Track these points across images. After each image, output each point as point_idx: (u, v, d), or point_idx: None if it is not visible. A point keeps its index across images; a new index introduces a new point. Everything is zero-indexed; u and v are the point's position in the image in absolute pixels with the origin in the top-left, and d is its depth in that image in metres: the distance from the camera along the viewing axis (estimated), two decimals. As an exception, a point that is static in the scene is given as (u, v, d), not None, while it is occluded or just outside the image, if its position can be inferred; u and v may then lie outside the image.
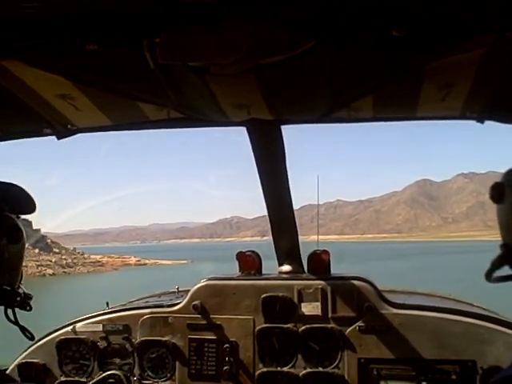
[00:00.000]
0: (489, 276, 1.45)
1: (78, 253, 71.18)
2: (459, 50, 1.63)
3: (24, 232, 1.69)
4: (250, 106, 2.12)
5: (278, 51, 1.55)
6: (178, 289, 3.36)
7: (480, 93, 2.04)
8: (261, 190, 2.88)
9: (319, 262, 2.91)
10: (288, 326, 2.80)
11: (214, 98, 1.96)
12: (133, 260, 75.43)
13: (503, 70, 1.80)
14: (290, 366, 2.79)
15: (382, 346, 2.68)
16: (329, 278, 2.83)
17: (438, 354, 2.61)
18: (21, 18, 1.45)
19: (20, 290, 1.72)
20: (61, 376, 3.01)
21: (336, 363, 2.74)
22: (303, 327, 2.78)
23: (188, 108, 2.22)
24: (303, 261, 3.02)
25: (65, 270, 62.72)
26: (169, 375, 2.91)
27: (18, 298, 1.70)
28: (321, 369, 2.75)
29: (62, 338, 3.02)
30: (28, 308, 1.76)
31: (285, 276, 2.98)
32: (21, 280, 1.75)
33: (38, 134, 2.50)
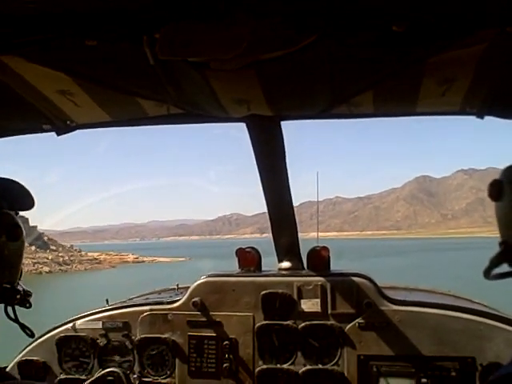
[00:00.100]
0: (487, 273, 1.45)
1: (75, 250, 71.12)
2: (459, 46, 1.62)
3: (23, 229, 1.69)
4: (249, 101, 2.11)
5: (277, 46, 1.55)
6: (177, 286, 3.36)
7: (480, 88, 2.03)
8: (260, 187, 2.88)
9: (319, 259, 2.91)
10: (288, 322, 2.79)
11: (213, 94, 1.96)
12: (131, 257, 75.43)
13: (503, 65, 1.79)
14: (289, 362, 2.79)
15: (381, 343, 2.68)
16: (328, 275, 2.82)
17: (438, 351, 2.61)
18: (20, 13, 1.44)
19: (19, 288, 1.72)
20: (61, 373, 3.01)
21: (336, 360, 2.74)
22: (303, 324, 2.78)
23: (188, 104, 2.22)
24: (303, 257, 3.02)
25: (61, 268, 62.61)
26: (169, 372, 2.91)
27: (18, 296, 1.70)
28: (320, 366, 2.75)
29: (62, 335, 3.02)
30: (28, 305, 1.75)
31: (284, 273, 2.97)
32: (20, 277, 1.75)
33: (38, 130, 2.49)
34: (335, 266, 2.94)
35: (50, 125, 2.42)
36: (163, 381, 2.90)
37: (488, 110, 2.25)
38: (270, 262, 3.11)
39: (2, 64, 1.74)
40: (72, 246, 73.48)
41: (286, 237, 3.01)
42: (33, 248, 60.36)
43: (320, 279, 2.80)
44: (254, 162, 2.78)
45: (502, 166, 1.51)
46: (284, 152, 2.73)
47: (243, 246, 3.08)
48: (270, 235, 3.05)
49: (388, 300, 2.74)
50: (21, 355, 3.06)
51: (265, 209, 2.95)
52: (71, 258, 66.32)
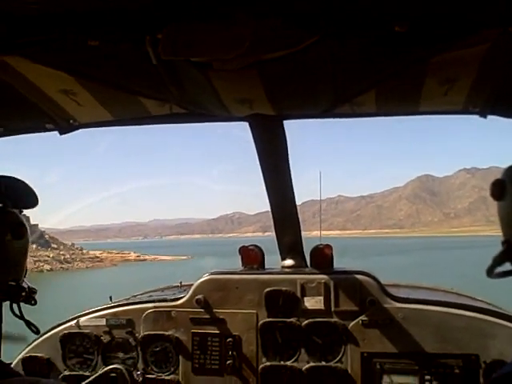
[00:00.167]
0: (490, 272, 1.45)
1: (77, 248, 70.98)
2: (462, 46, 1.62)
3: (28, 228, 1.70)
4: (252, 101, 2.12)
5: (280, 46, 1.55)
6: (181, 283, 3.37)
7: (483, 87, 2.03)
8: (263, 185, 2.88)
9: (322, 257, 2.91)
10: (291, 320, 2.80)
11: (216, 94, 1.97)
12: (132, 256, 75.33)
13: (506, 64, 1.79)
14: (293, 360, 2.80)
15: (384, 340, 2.68)
16: (332, 273, 2.83)
17: (441, 348, 2.61)
18: (23, 13, 1.45)
19: (24, 285, 1.73)
20: (65, 370, 3.03)
21: (339, 357, 2.75)
22: (306, 321, 2.79)
23: (190, 103, 2.22)
24: (306, 255, 3.02)
25: (63, 266, 62.48)
26: (172, 369, 2.92)
27: (23, 293, 1.71)
28: (324, 363, 2.76)
29: (66, 332, 3.04)
30: (33, 302, 1.77)
31: (288, 270, 2.98)
32: (25, 275, 1.76)
33: (41, 129, 2.50)
34: (338, 264, 2.94)
35: (52, 124, 2.44)
36: (167, 377, 2.91)
37: (491, 109, 2.25)
38: (273, 260, 3.11)
39: (5, 64, 1.75)
40: (73, 244, 73.31)
41: (289, 235, 3.01)
42: (34, 246, 60.26)
43: (323, 277, 2.81)
44: (257, 161, 2.79)
45: (505, 164, 1.51)
46: (287, 151, 2.74)
47: (246, 244, 3.08)
48: (273, 234, 3.06)
49: (391, 297, 2.75)
50: (25, 352, 3.07)
51: (267, 207, 2.95)
52: (72, 257, 66.18)
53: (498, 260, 1.45)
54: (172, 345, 2.92)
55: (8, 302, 1.73)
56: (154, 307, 2.97)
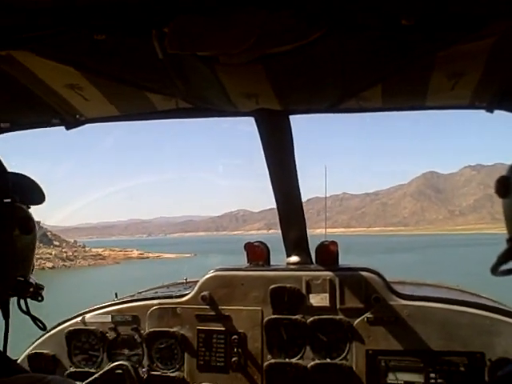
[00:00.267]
0: (495, 270, 1.44)
1: (79, 246, 70.93)
2: (469, 39, 1.61)
3: (35, 222, 1.70)
4: (258, 95, 2.11)
5: (286, 41, 1.55)
6: (186, 280, 3.37)
7: (490, 82, 2.02)
8: (268, 182, 2.88)
9: (327, 253, 2.90)
10: (296, 317, 2.80)
11: (222, 88, 1.96)
12: (135, 253, 75.31)
13: None
14: (298, 357, 2.80)
15: (390, 338, 2.67)
16: (337, 269, 2.82)
17: (447, 346, 2.60)
18: (29, 7, 1.44)
19: (31, 281, 1.73)
20: (70, 366, 3.04)
21: (344, 355, 2.74)
22: (311, 318, 2.78)
23: (196, 98, 2.22)
24: (311, 252, 3.02)
25: (65, 263, 62.32)
26: (177, 366, 2.92)
27: (31, 289, 1.71)
28: (329, 360, 2.75)
29: (72, 328, 3.04)
30: (40, 298, 1.77)
31: (293, 267, 2.97)
32: (32, 271, 1.76)
33: (47, 124, 2.51)
34: (342, 262, 2.93)
35: (59, 119, 2.44)
36: (172, 374, 2.91)
37: (498, 103, 2.24)
38: (278, 259, 3.10)
39: (11, 58, 1.75)
40: (76, 242, 73.26)
41: (294, 231, 3.01)
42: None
43: (328, 274, 2.80)
44: (262, 157, 2.79)
45: (510, 161, 1.50)
46: (292, 146, 2.73)
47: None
48: (277, 231, 3.05)
49: (396, 295, 2.73)
50: (31, 348, 3.09)
51: (272, 205, 2.95)
52: (75, 254, 66.08)
53: (503, 258, 1.44)
54: (177, 342, 2.92)
55: (15, 299, 1.74)
56: (159, 304, 2.97)
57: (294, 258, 3.01)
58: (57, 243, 67.11)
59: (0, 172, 1.47)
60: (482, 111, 2.33)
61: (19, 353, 3.07)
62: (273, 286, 2.82)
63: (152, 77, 1.95)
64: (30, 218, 1.61)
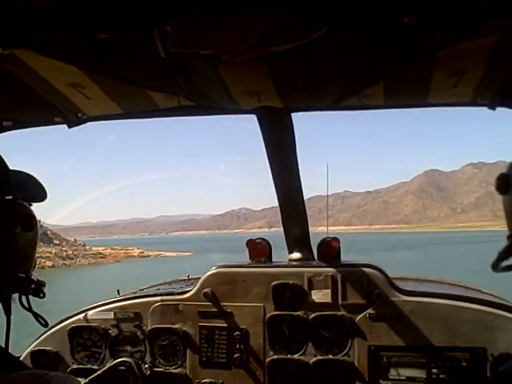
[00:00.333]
0: (496, 266, 1.45)
1: (79, 244, 70.78)
2: (471, 37, 1.61)
3: (37, 220, 1.71)
4: (260, 93, 2.12)
5: (288, 39, 1.55)
6: (188, 276, 3.38)
7: (492, 79, 2.02)
8: (270, 179, 2.88)
9: (329, 250, 2.90)
10: (298, 313, 2.80)
11: (224, 86, 1.97)
12: (136, 252, 75.21)
13: None
14: (300, 353, 2.80)
15: (392, 334, 2.68)
16: (339, 266, 2.83)
17: (449, 342, 2.61)
18: (31, 7, 1.45)
19: (33, 278, 1.74)
20: (73, 363, 3.05)
21: (346, 351, 2.75)
22: (313, 314, 2.79)
23: (199, 96, 2.23)
24: (313, 248, 3.02)
25: (65, 262, 62.08)
26: (180, 362, 2.94)
27: (32, 286, 1.72)
28: (331, 356, 2.76)
29: (74, 325, 3.05)
30: (42, 295, 1.77)
31: (295, 263, 2.98)
32: (34, 268, 1.77)
33: (49, 122, 2.52)
34: (344, 259, 2.94)
35: (61, 117, 2.45)
36: (174, 371, 2.92)
37: (500, 101, 2.24)
38: (280, 256, 3.11)
39: (14, 57, 1.75)
40: (76, 241, 73.07)
41: (296, 228, 3.01)
42: (36, 243, 59.72)
43: (330, 270, 2.81)
44: (264, 154, 2.79)
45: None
46: (294, 143, 2.73)
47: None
48: (279, 230, 3.06)
49: (398, 291, 2.74)
50: (33, 345, 3.10)
51: (273, 203, 2.95)
52: (75, 253, 65.89)
53: (504, 254, 1.44)
54: (179, 338, 2.93)
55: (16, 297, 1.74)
56: (162, 300, 2.97)
57: (296, 255, 3.02)
58: (57, 242, 66.99)
59: (2, 170, 1.48)
60: (484, 109, 2.33)
61: (19, 352, 3.08)
62: (275, 283, 2.83)
63: (154, 75, 1.96)
64: (31, 215, 1.62)
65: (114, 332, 3.02)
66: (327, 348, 2.79)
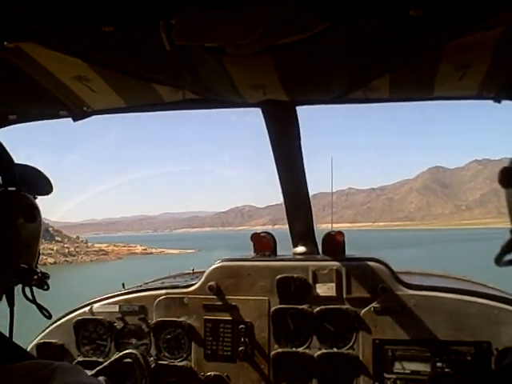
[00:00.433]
0: (498, 260, 1.45)
1: (81, 241, 70.71)
2: (477, 29, 1.60)
3: (40, 211, 1.71)
4: (265, 86, 2.11)
5: (294, 31, 1.54)
6: (193, 270, 3.39)
7: (498, 72, 2.02)
8: (274, 175, 2.88)
9: (334, 243, 2.91)
10: (303, 306, 2.81)
11: (229, 79, 1.96)
12: (139, 249, 75.17)
13: None
14: (305, 346, 2.81)
15: (396, 327, 2.68)
16: (343, 259, 2.83)
17: (453, 335, 2.61)
18: (37, 0, 1.45)
19: (37, 269, 1.74)
20: (78, 356, 3.07)
21: (351, 344, 2.76)
22: (318, 308, 2.79)
23: (204, 89, 2.22)
24: (318, 242, 3.03)
25: (67, 259, 61.95)
26: (185, 355, 2.95)
27: (36, 277, 1.72)
28: (335, 349, 2.77)
29: (80, 318, 3.07)
30: (46, 287, 1.78)
31: (299, 257, 2.99)
32: (38, 260, 1.77)
33: (54, 116, 2.52)
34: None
35: (66, 111, 2.45)
36: (179, 364, 2.93)
37: (505, 94, 2.23)
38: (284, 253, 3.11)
39: (19, 50, 1.75)
40: (78, 237, 72.98)
41: (301, 221, 3.02)
42: (37, 239, 59.46)
43: (335, 263, 2.81)
44: (269, 149, 2.79)
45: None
46: (299, 136, 2.73)
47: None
48: (282, 227, 3.06)
49: (403, 284, 2.74)
50: (39, 338, 3.11)
51: (277, 200, 2.96)
52: (77, 250, 65.74)
53: (507, 248, 1.44)
54: (184, 331, 2.94)
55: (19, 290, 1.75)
56: (167, 294, 2.99)
57: (301, 249, 3.03)
58: (59, 239, 66.97)
59: (7, 163, 1.48)
60: (490, 104, 2.33)
61: (24, 345, 3.09)
62: (279, 276, 2.84)
63: (159, 68, 1.96)
64: (34, 206, 1.62)
65: (119, 325, 3.03)
66: (332, 341, 2.79)
